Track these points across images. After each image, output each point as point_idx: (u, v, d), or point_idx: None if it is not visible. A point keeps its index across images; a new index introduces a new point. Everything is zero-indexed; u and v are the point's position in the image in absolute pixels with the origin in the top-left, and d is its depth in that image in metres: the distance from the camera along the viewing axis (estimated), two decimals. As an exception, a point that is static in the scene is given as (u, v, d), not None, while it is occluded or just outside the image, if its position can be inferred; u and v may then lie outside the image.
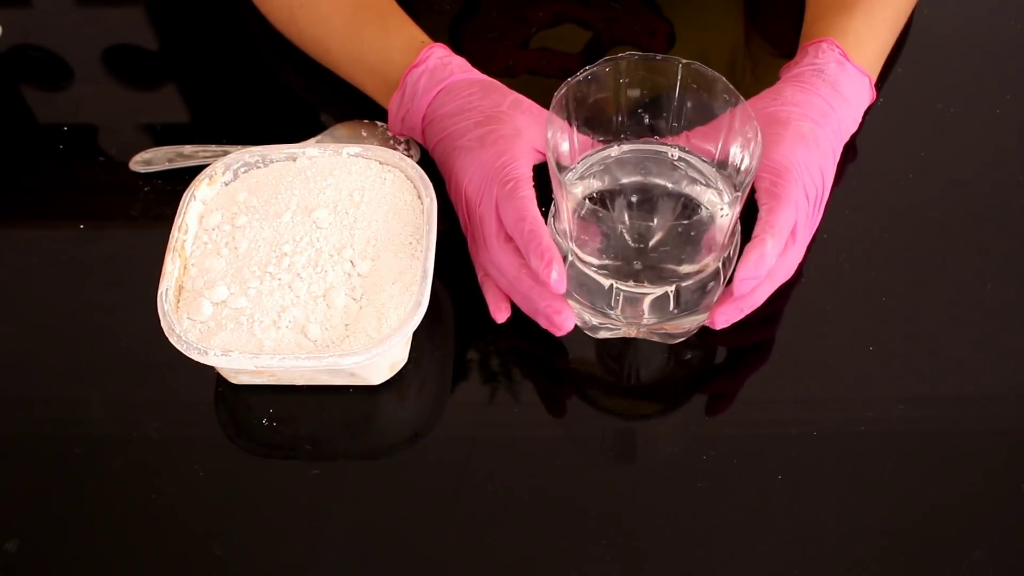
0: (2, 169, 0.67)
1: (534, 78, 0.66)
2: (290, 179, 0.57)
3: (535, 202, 0.53)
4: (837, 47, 0.59)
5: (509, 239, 0.53)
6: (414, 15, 0.64)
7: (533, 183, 0.54)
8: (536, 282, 0.52)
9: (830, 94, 0.57)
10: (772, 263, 0.51)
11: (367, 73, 0.64)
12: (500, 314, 0.55)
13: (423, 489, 0.52)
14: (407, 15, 0.64)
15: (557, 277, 0.50)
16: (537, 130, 0.57)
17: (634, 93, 0.53)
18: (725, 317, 0.52)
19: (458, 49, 0.62)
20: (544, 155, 0.56)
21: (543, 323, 0.53)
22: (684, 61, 0.51)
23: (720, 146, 0.52)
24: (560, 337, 0.56)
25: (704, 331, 0.55)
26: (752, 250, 0.50)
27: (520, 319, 0.55)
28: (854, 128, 0.60)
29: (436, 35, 0.63)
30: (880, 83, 0.67)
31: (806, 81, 0.58)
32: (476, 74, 0.60)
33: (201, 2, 0.77)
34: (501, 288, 0.55)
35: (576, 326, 0.55)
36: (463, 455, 0.53)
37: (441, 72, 0.59)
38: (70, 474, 0.53)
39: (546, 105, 0.53)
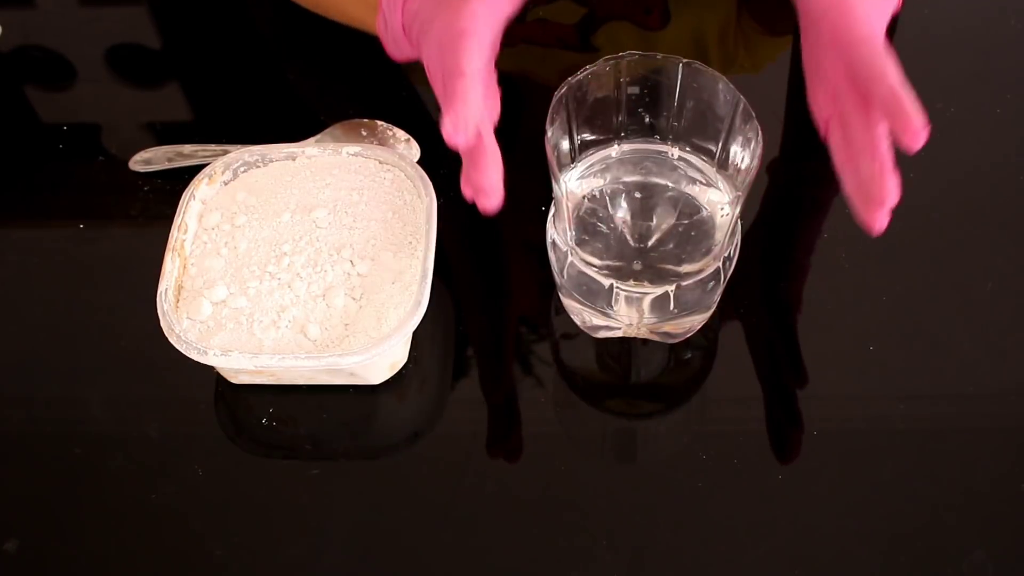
0: (2, 169, 0.67)
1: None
2: (289, 178, 0.57)
3: (479, 53, 0.46)
4: None
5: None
6: None
7: (491, 37, 0.48)
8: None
9: None
10: None
11: (352, 1, 0.60)
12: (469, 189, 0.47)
13: (423, 489, 0.52)
14: None
15: (451, 128, 0.43)
16: None
17: (634, 92, 0.53)
18: (892, 197, 0.44)
19: None
20: (513, 3, 0.51)
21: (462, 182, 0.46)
22: (684, 60, 0.51)
23: (720, 146, 0.52)
24: (560, 337, 0.56)
25: (704, 331, 0.55)
26: (904, 103, 0.42)
27: (522, 319, 0.55)
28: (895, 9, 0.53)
29: None
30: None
31: None
32: None
33: (202, 2, 0.77)
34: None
35: (576, 325, 0.55)
36: (463, 454, 0.53)
37: None
38: (70, 474, 0.53)
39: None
